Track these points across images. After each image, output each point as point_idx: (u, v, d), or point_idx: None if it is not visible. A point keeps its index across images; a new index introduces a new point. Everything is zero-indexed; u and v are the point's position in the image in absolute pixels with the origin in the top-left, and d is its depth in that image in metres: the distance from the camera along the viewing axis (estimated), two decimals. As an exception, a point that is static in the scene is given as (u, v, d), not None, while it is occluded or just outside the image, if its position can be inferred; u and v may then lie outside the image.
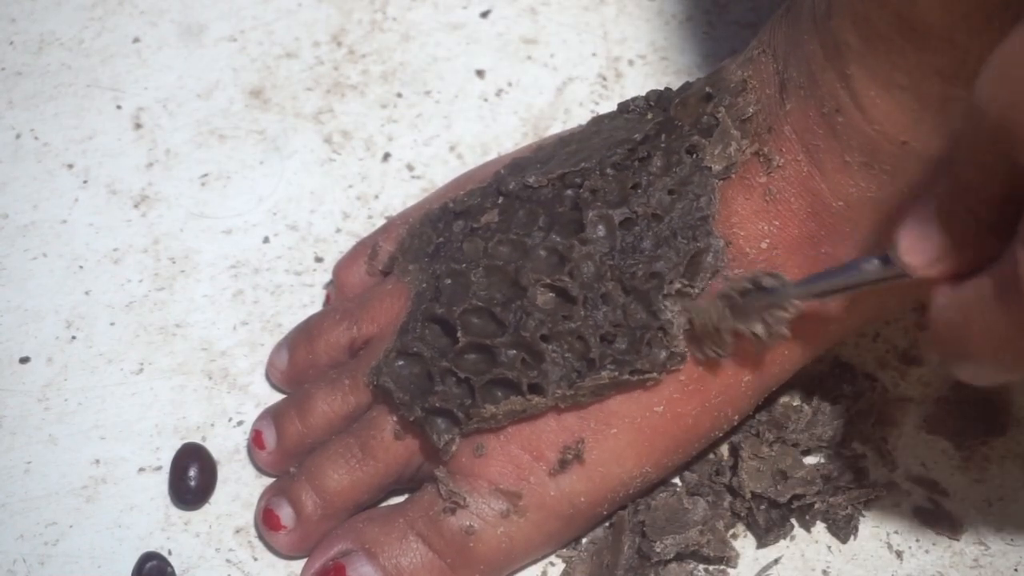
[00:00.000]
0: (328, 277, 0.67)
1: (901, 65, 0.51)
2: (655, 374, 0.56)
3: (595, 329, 0.56)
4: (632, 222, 0.57)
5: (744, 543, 0.60)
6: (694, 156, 0.57)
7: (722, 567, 0.59)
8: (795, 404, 0.62)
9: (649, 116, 0.60)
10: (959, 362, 0.49)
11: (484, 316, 0.57)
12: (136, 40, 0.75)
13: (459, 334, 0.57)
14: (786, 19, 0.56)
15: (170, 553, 0.61)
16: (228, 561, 0.61)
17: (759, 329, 0.55)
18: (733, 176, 0.57)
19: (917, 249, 0.48)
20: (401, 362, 0.58)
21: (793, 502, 0.60)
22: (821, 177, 0.55)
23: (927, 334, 0.49)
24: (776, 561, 0.60)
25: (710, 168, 0.57)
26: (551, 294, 0.57)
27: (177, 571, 0.60)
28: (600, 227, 0.57)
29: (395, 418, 0.59)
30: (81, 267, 0.68)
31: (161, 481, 0.62)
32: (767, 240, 0.57)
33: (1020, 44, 0.42)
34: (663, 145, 0.58)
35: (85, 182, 0.70)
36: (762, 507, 0.59)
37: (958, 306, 0.48)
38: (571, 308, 0.57)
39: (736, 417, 0.59)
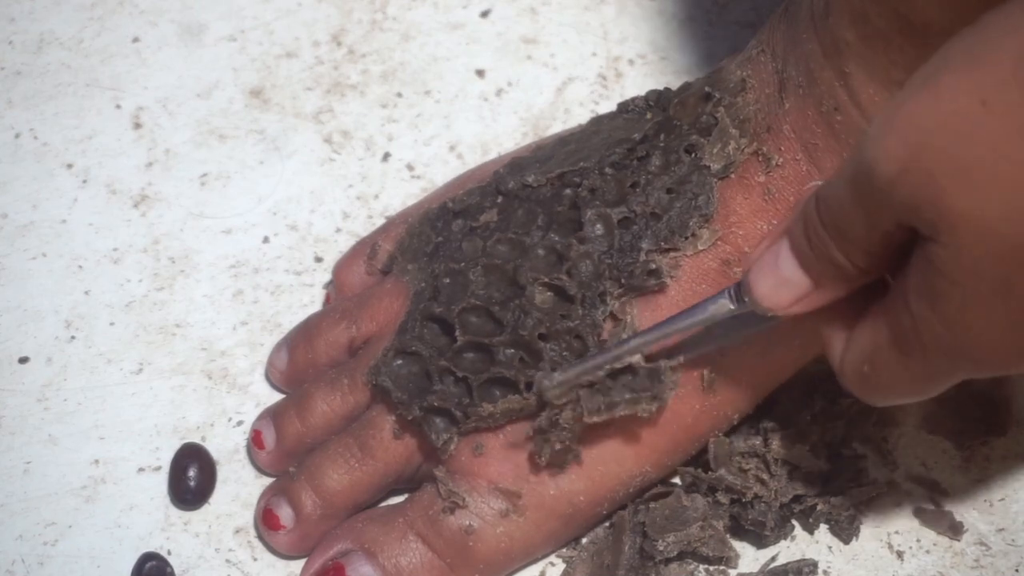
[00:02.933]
0: (328, 277, 0.67)
1: (900, 62, 0.51)
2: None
3: (593, 328, 0.56)
4: (630, 221, 0.57)
5: (744, 543, 0.60)
6: (693, 155, 0.57)
7: (722, 567, 0.59)
8: (795, 404, 0.61)
9: (648, 116, 0.60)
10: (873, 400, 0.50)
11: (482, 315, 0.57)
12: (136, 40, 0.75)
13: (457, 333, 0.57)
14: (785, 18, 0.56)
15: (170, 553, 0.61)
16: (228, 561, 0.61)
17: (626, 401, 0.55)
18: (732, 175, 0.57)
19: (777, 292, 0.49)
20: (399, 361, 0.58)
21: (794, 504, 0.60)
22: (820, 176, 0.55)
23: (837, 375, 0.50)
24: (775, 560, 0.60)
25: (709, 167, 0.57)
26: (549, 293, 0.57)
27: (177, 571, 0.60)
28: (598, 226, 0.57)
29: (394, 417, 0.59)
30: (81, 267, 0.68)
31: (161, 481, 0.62)
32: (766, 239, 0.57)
33: (922, 105, 0.42)
34: (662, 144, 0.58)
35: (85, 182, 0.70)
36: (762, 507, 0.59)
37: (862, 357, 0.49)
38: (569, 307, 0.57)
39: (736, 417, 0.59)
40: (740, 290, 0.51)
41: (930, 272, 0.43)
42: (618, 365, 0.55)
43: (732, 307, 0.52)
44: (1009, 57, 0.40)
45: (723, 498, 0.59)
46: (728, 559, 0.59)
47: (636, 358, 0.55)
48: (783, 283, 0.49)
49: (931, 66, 0.43)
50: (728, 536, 0.60)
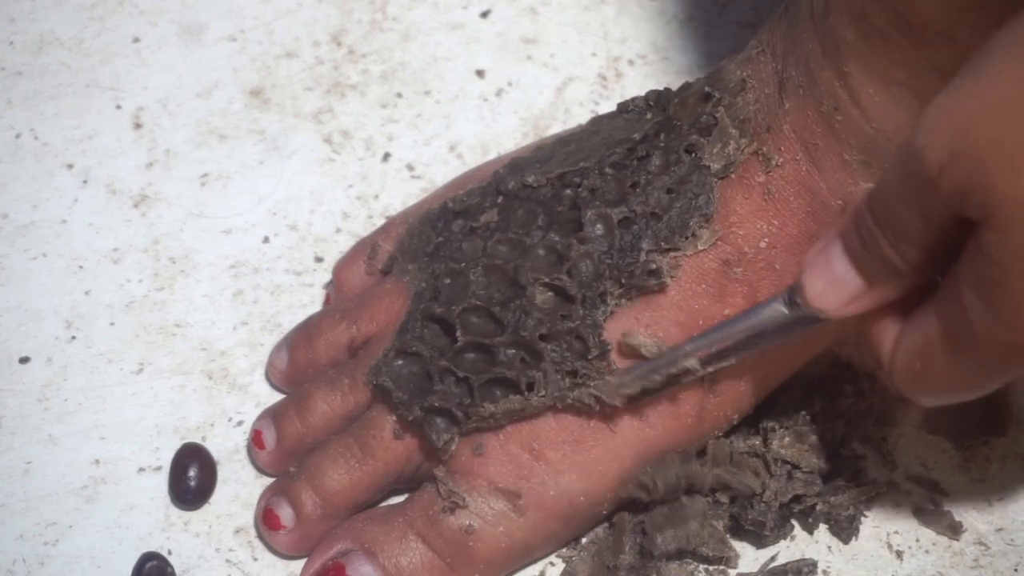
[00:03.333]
0: (328, 277, 0.67)
1: (899, 61, 0.51)
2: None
3: (594, 328, 0.56)
4: (631, 221, 0.57)
5: (744, 543, 0.60)
6: (693, 155, 0.57)
7: (722, 567, 0.59)
8: (795, 404, 0.61)
9: (648, 116, 0.60)
10: (925, 399, 0.50)
11: (483, 315, 0.57)
12: (136, 40, 0.75)
13: (458, 333, 0.57)
14: (785, 18, 0.56)
15: (170, 553, 0.61)
16: (228, 561, 0.61)
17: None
18: (732, 175, 0.57)
19: (829, 293, 0.49)
20: (400, 361, 0.58)
21: (794, 504, 0.60)
22: (820, 176, 0.55)
23: (885, 374, 0.50)
24: (775, 560, 0.60)
25: (709, 167, 0.57)
26: (550, 293, 0.57)
27: (177, 571, 0.60)
28: (599, 226, 0.57)
29: (394, 417, 0.59)
30: (81, 267, 0.68)
31: (161, 481, 0.62)
32: (766, 239, 0.57)
33: (969, 93, 0.42)
34: (662, 144, 0.58)
35: (85, 182, 0.70)
36: (762, 507, 0.59)
37: (913, 354, 0.48)
38: (570, 307, 0.57)
39: (736, 416, 0.59)
40: (793, 294, 0.52)
41: (982, 260, 0.43)
42: (674, 370, 0.55)
43: (786, 311, 0.53)
44: None
45: (723, 498, 0.59)
46: (728, 559, 0.59)
47: (692, 362, 0.55)
48: (836, 284, 0.49)
49: (978, 56, 0.43)
50: (728, 536, 0.60)
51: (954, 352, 0.46)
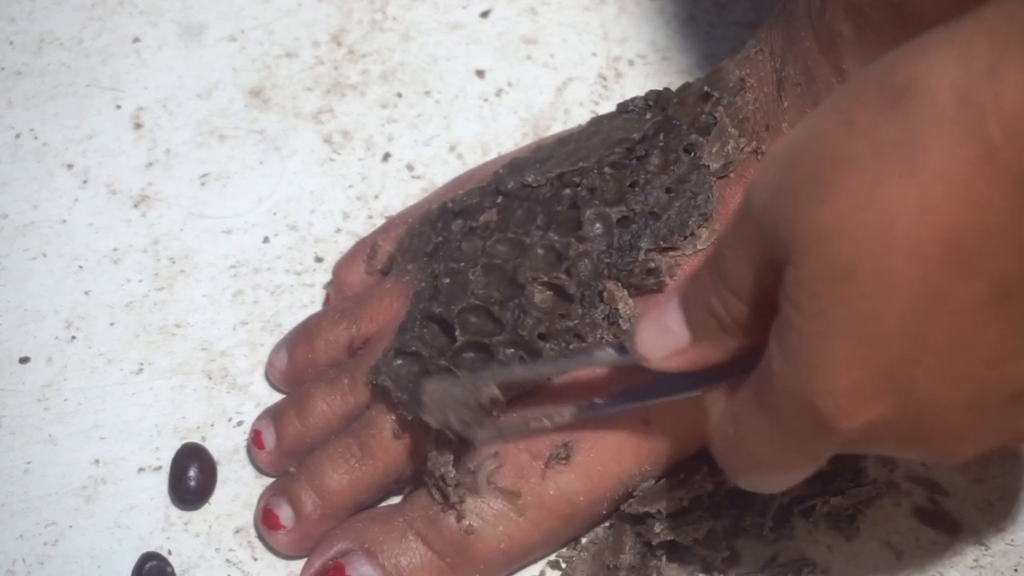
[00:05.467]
0: (328, 277, 0.67)
1: None
2: None
3: (593, 327, 0.56)
4: (629, 220, 0.57)
5: (744, 543, 0.60)
6: (692, 155, 0.58)
7: (722, 567, 0.59)
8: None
9: (648, 116, 0.60)
10: (739, 474, 0.48)
11: (482, 315, 0.57)
12: (136, 40, 0.75)
13: (457, 333, 0.57)
14: (782, 16, 0.56)
15: (170, 553, 0.61)
16: (228, 561, 0.61)
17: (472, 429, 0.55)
18: (731, 174, 0.57)
19: (654, 341, 0.48)
20: (399, 361, 0.58)
21: (794, 504, 0.60)
22: None
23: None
24: (775, 560, 0.60)
25: (708, 166, 0.57)
26: (549, 292, 0.57)
27: (177, 571, 0.60)
28: (597, 225, 0.57)
29: (394, 417, 0.59)
30: (81, 267, 0.68)
31: (161, 481, 0.62)
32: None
33: (799, 130, 0.42)
34: (661, 144, 0.58)
35: (85, 182, 0.70)
36: (761, 507, 0.59)
37: (727, 417, 0.47)
38: (568, 306, 0.57)
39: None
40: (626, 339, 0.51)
41: (784, 302, 0.42)
42: (490, 395, 0.55)
43: (616, 355, 0.52)
44: (874, 83, 0.40)
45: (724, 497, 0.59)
46: (728, 559, 0.59)
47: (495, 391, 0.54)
48: (663, 333, 0.48)
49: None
50: (729, 536, 0.60)
51: (759, 407, 0.45)
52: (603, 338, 0.57)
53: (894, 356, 0.41)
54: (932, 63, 0.39)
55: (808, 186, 0.41)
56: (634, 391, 0.53)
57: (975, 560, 0.60)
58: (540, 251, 0.58)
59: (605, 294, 0.56)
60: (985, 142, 0.38)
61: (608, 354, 0.53)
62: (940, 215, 0.39)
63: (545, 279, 0.57)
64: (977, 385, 0.41)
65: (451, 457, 0.57)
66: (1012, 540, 0.60)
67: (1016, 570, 0.59)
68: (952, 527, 0.60)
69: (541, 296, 0.57)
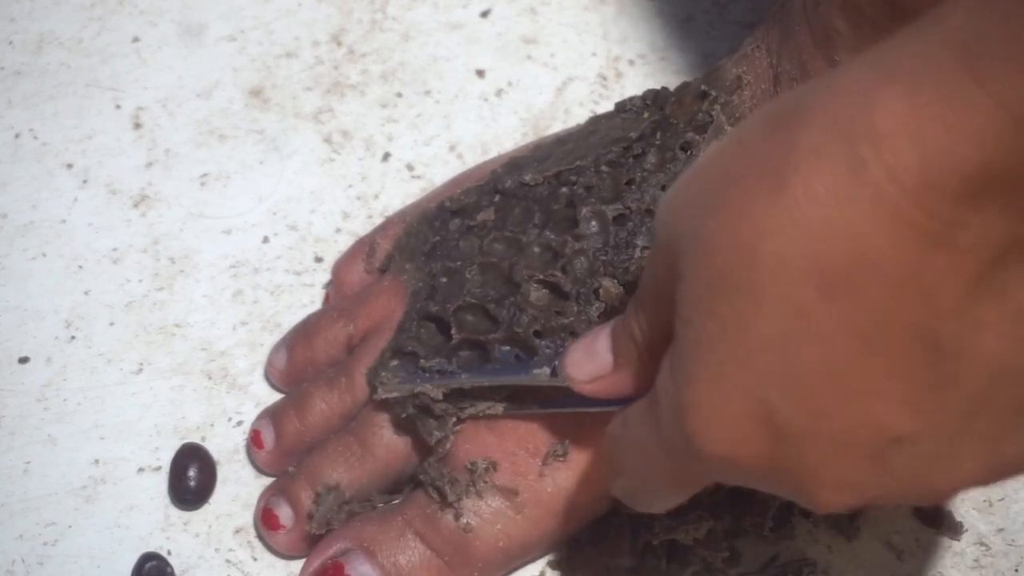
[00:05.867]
0: (328, 277, 0.67)
1: None
2: None
3: (588, 324, 0.56)
4: (626, 218, 0.57)
5: (744, 543, 0.60)
6: (689, 153, 0.58)
7: (722, 567, 0.59)
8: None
9: (645, 115, 0.60)
10: (613, 479, 0.48)
11: (478, 313, 0.57)
12: (136, 40, 0.75)
13: (453, 331, 0.57)
14: (779, 14, 0.56)
15: (170, 553, 0.61)
16: (228, 561, 0.61)
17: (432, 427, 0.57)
18: (728, 172, 0.57)
19: (580, 364, 0.49)
20: (396, 362, 0.58)
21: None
22: None
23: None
24: (775, 560, 0.60)
25: (704, 165, 0.57)
26: (544, 290, 0.57)
27: (177, 571, 0.60)
28: (593, 223, 0.57)
29: (392, 415, 0.59)
30: (81, 267, 0.68)
31: (161, 481, 0.62)
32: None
33: (695, 161, 0.42)
34: (658, 142, 0.58)
35: (85, 182, 0.70)
36: (761, 507, 0.59)
37: (620, 419, 0.47)
38: (564, 304, 0.57)
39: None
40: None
41: (674, 314, 0.42)
42: (417, 390, 0.57)
43: (549, 375, 0.54)
44: (771, 109, 0.40)
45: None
46: (728, 559, 0.59)
47: (434, 392, 0.57)
48: (590, 357, 0.49)
49: None
50: (729, 536, 0.59)
51: (643, 414, 0.44)
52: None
53: (759, 375, 0.40)
54: (817, 93, 0.39)
55: (696, 201, 0.41)
56: (563, 397, 0.55)
57: (975, 560, 0.60)
58: (536, 249, 0.58)
59: (601, 291, 0.56)
60: (858, 166, 0.37)
61: (544, 373, 0.55)
62: (806, 235, 0.38)
63: (541, 277, 0.57)
64: (842, 421, 0.39)
65: (446, 455, 0.57)
66: (1012, 540, 0.60)
67: (1016, 570, 0.59)
68: (952, 527, 0.60)
69: (537, 294, 0.57)
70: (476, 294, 0.58)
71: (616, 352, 0.48)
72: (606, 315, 0.57)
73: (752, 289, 0.39)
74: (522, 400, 0.57)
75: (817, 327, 0.38)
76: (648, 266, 0.45)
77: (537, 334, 0.57)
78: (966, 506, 0.61)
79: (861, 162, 0.37)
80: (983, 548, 0.60)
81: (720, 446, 0.41)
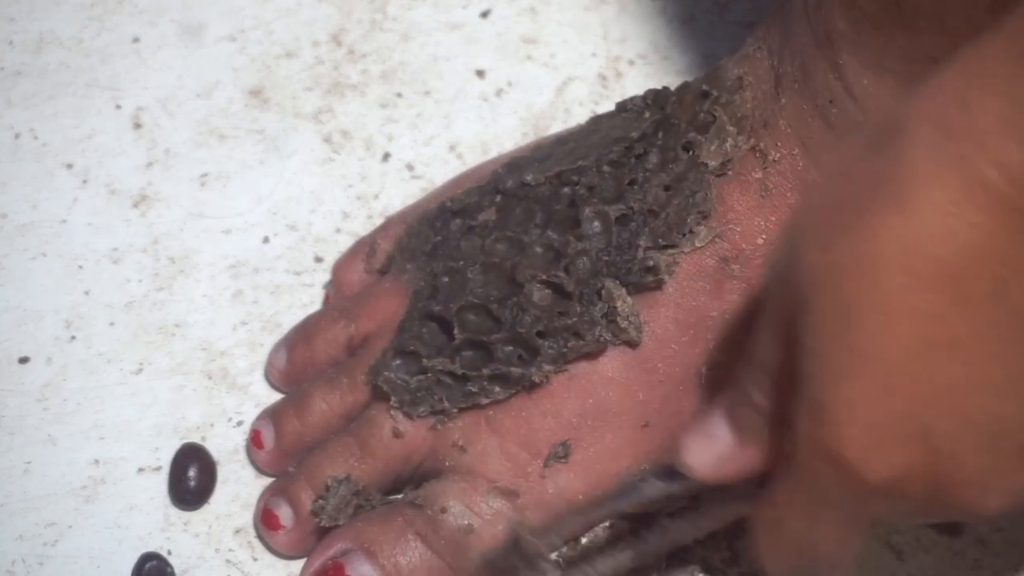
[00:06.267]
0: (328, 277, 0.67)
1: (891, 50, 0.51)
2: None
3: (591, 325, 0.56)
4: (628, 218, 0.57)
5: (744, 543, 0.60)
6: (690, 153, 0.58)
7: (722, 567, 0.59)
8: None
9: (647, 115, 0.60)
10: (786, 566, 0.47)
11: (481, 313, 0.57)
12: (135, 40, 0.75)
13: (456, 331, 0.57)
14: (780, 14, 0.56)
15: (170, 553, 0.61)
16: (228, 561, 0.61)
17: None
18: (729, 172, 0.57)
19: (701, 452, 0.47)
20: (398, 361, 0.58)
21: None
22: (817, 171, 0.55)
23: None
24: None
25: (706, 164, 0.57)
26: (547, 290, 0.57)
27: (177, 571, 0.60)
28: (596, 223, 0.57)
29: (393, 416, 0.59)
30: (81, 267, 0.68)
31: (161, 481, 0.62)
32: (763, 236, 0.57)
33: (797, 206, 0.42)
34: (659, 142, 0.58)
35: (84, 182, 0.70)
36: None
37: (765, 502, 0.46)
38: (567, 304, 0.57)
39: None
40: (671, 465, 0.49)
41: (801, 356, 0.42)
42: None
43: (663, 484, 0.51)
44: (862, 136, 0.40)
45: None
46: (728, 559, 0.59)
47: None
48: (709, 441, 0.46)
49: None
50: (729, 536, 0.59)
51: (791, 481, 0.43)
52: (601, 336, 0.57)
53: (906, 396, 0.40)
54: (911, 105, 0.39)
55: (810, 238, 0.41)
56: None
57: (975, 560, 0.60)
58: (539, 249, 0.58)
59: (603, 292, 0.56)
60: (969, 169, 0.38)
61: (655, 485, 0.51)
62: (931, 246, 0.38)
63: (544, 277, 0.57)
64: (994, 423, 0.40)
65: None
66: (1012, 540, 0.60)
67: (1016, 570, 0.59)
68: (952, 527, 0.60)
69: (540, 294, 0.57)
70: (479, 294, 0.58)
71: (738, 428, 0.46)
72: (608, 316, 0.57)
73: (884, 309, 0.39)
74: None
75: (954, 335, 0.39)
76: (761, 328, 0.44)
77: (540, 335, 0.57)
78: (966, 506, 0.61)
79: (971, 164, 0.37)
80: (983, 548, 0.60)
81: (884, 473, 0.41)
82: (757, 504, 0.46)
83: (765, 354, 0.44)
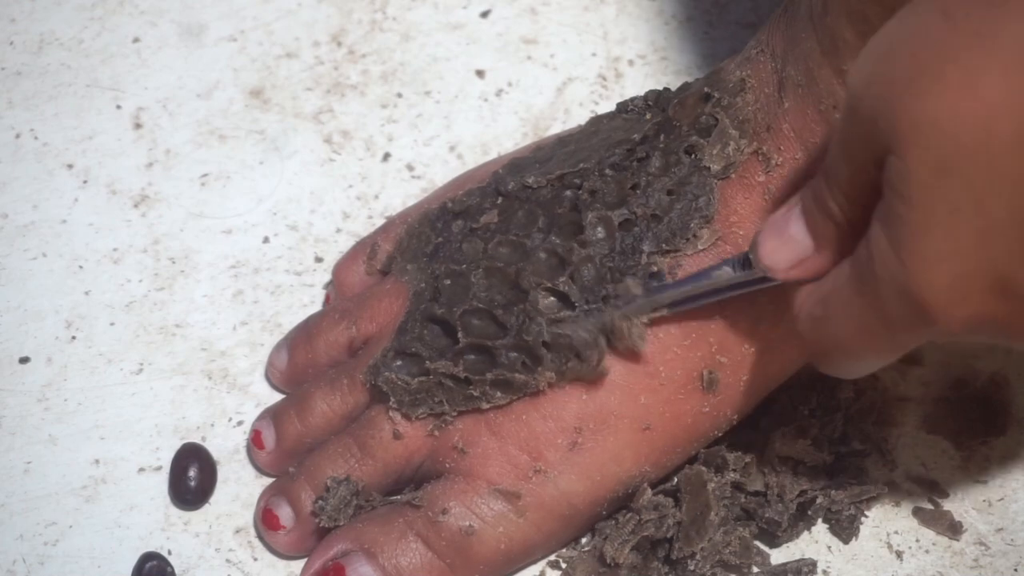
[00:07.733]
0: (328, 277, 0.67)
1: None
2: None
3: (592, 347, 0.56)
4: (631, 223, 0.57)
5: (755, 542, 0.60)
6: (693, 156, 0.57)
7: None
8: (792, 400, 0.61)
9: (648, 116, 0.60)
10: (825, 358, 0.49)
11: (484, 317, 0.57)
12: (136, 40, 0.75)
13: (460, 335, 0.57)
14: (784, 18, 0.56)
15: (170, 553, 0.61)
16: (228, 561, 0.61)
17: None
18: (732, 176, 0.57)
19: (778, 251, 0.49)
20: (399, 362, 0.58)
21: (798, 497, 0.59)
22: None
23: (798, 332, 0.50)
24: (769, 559, 0.60)
25: (709, 168, 0.57)
26: (552, 298, 0.57)
27: (177, 571, 0.60)
28: (599, 229, 0.57)
29: (393, 417, 0.59)
30: (81, 267, 0.68)
31: (161, 481, 0.62)
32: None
33: (893, 23, 0.42)
34: (662, 145, 0.58)
35: (85, 182, 0.70)
36: (780, 507, 0.59)
37: (818, 299, 0.48)
38: (571, 314, 0.57)
39: (735, 417, 0.59)
40: (747, 255, 0.52)
41: (888, 191, 0.43)
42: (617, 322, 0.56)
43: (733, 272, 0.53)
44: None
45: (744, 500, 0.59)
46: (750, 565, 0.59)
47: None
48: (787, 242, 0.49)
49: None
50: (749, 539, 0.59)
51: (856, 294, 0.45)
52: (600, 367, 0.57)
53: (1000, 250, 0.41)
54: None
55: (907, 78, 0.41)
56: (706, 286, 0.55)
57: (975, 560, 0.60)
58: (542, 255, 0.58)
59: (615, 330, 0.56)
60: None
61: (726, 272, 0.54)
62: None
63: (549, 285, 0.57)
64: None
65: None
66: (1011, 540, 0.60)
67: (1016, 570, 0.59)
68: (952, 527, 0.60)
69: (545, 301, 0.57)
70: (482, 298, 0.58)
71: (815, 234, 0.48)
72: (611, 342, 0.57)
73: (988, 168, 0.40)
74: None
75: None
76: (842, 141, 0.45)
77: (545, 345, 0.57)
78: (966, 506, 0.61)
79: None
80: (982, 548, 0.60)
81: (960, 317, 0.43)
82: (795, 296, 0.49)
83: (839, 170, 0.45)
